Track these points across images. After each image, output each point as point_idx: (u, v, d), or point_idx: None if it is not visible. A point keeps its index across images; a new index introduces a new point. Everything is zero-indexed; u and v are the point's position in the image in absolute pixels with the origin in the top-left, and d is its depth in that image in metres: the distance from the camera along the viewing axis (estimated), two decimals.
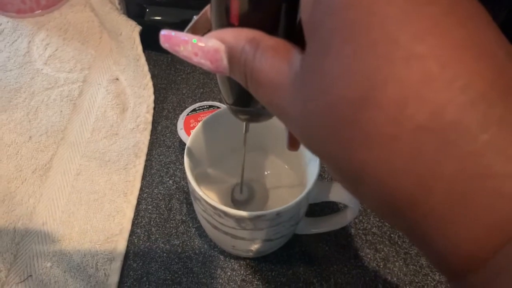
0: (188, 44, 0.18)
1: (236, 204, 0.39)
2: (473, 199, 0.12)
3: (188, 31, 0.24)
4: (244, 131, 0.30)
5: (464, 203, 0.12)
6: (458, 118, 0.12)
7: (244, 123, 0.29)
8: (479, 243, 0.13)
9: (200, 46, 0.17)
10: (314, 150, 0.16)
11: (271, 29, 0.18)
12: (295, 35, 0.17)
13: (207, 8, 0.24)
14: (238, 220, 0.30)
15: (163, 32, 0.18)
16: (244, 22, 0.18)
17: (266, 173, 0.41)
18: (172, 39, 0.18)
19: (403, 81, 0.12)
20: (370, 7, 0.13)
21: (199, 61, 0.18)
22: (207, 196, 0.31)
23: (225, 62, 0.17)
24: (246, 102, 0.24)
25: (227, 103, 0.25)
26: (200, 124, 0.36)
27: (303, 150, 0.37)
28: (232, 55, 0.17)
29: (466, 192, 0.12)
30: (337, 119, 0.14)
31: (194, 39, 0.18)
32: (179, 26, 0.59)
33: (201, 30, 0.25)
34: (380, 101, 0.13)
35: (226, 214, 0.30)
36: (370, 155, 0.14)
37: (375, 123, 0.13)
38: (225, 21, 0.19)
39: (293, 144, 0.26)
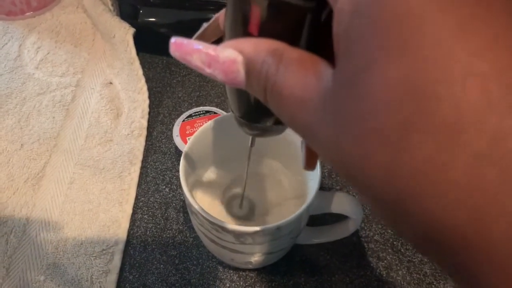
0: (201, 54, 0.16)
1: (236, 218, 0.38)
2: None
3: (196, 39, 0.23)
4: (249, 145, 0.29)
5: None
6: None
7: (251, 137, 0.28)
8: None
9: (214, 56, 0.16)
10: (346, 175, 0.15)
11: (294, 40, 0.16)
12: (320, 47, 0.16)
13: (219, 14, 0.22)
14: (237, 235, 0.29)
15: (173, 40, 0.17)
16: (264, 31, 0.17)
17: (266, 180, 0.40)
18: (183, 47, 0.17)
19: (460, 103, 0.11)
20: (422, 18, 0.11)
21: (213, 73, 0.16)
22: (204, 210, 0.29)
23: (242, 74, 0.16)
24: (257, 118, 0.22)
25: (234, 115, 0.23)
26: (196, 132, 0.35)
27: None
28: (251, 68, 0.16)
29: None
30: (379, 144, 0.13)
31: (209, 48, 0.16)
32: (173, 27, 0.57)
33: (211, 37, 0.23)
34: (431, 125, 0.11)
35: (224, 229, 0.29)
36: (416, 185, 0.12)
37: (425, 150, 0.12)
38: (242, 30, 0.17)
39: (310, 164, 0.24)
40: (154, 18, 0.53)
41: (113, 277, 0.38)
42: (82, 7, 0.61)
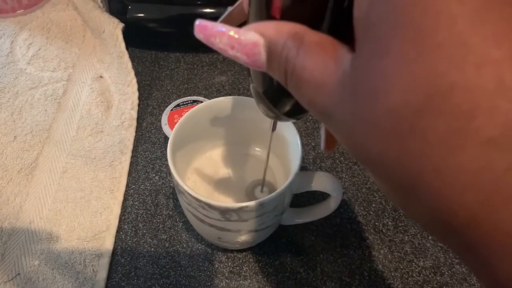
0: (224, 36, 0.17)
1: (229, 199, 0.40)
2: None
3: (221, 22, 0.23)
4: (271, 129, 0.30)
5: None
6: None
7: (272, 121, 0.29)
8: None
9: (237, 38, 0.16)
10: (361, 156, 0.15)
11: (315, 24, 0.16)
12: (341, 32, 0.16)
13: None
14: (223, 211, 0.31)
15: (198, 22, 0.17)
16: (287, 15, 0.17)
17: (256, 165, 0.42)
18: (207, 29, 0.17)
19: (473, 88, 0.11)
20: (438, 4, 0.12)
21: (235, 55, 0.17)
22: (191, 189, 0.31)
23: (263, 57, 0.16)
24: (279, 102, 0.22)
25: (260, 101, 0.23)
26: (183, 117, 0.36)
27: (287, 140, 0.37)
28: (272, 50, 0.16)
29: None
30: (394, 125, 0.13)
31: (232, 31, 0.17)
32: (162, 23, 0.59)
33: (235, 21, 0.24)
34: (444, 109, 0.12)
35: (210, 206, 0.30)
36: (428, 166, 0.12)
37: (437, 133, 0.12)
38: (265, 13, 0.18)
39: (329, 146, 0.24)
40: (142, 13, 0.55)
41: (105, 260, 0.39)
42: (73, 5, 0.62)
